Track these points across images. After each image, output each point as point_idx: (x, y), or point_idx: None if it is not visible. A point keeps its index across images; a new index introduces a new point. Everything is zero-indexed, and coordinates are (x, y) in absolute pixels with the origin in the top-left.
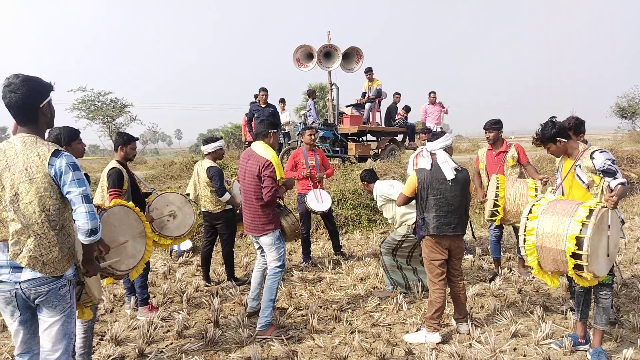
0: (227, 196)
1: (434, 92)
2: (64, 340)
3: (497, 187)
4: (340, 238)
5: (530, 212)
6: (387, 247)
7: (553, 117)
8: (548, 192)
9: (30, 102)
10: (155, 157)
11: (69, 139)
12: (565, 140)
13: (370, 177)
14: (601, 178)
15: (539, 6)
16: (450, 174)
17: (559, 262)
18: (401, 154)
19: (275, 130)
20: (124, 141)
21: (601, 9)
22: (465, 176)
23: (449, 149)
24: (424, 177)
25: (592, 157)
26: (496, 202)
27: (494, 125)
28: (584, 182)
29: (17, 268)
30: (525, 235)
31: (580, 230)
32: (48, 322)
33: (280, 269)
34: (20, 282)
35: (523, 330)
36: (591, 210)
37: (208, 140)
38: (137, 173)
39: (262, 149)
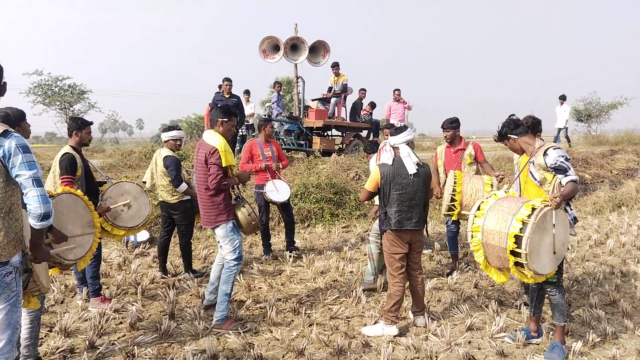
0: (183, 186)
1: (398, 90)
2: (8, 330)
3: (455, 183)
4: (303, 232)
5: (478, 209)
6: (374, 235)
7: (512, 114)
8: (502, 189)
9: None
10: (114, 147)
11: (19, 119)
12: (516, 137)
13: (370, 148)
14: (554, 175)
15: (507, 7)
16: (412, 169)
17: (502, 259)
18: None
19: (225, 119)
20: (78, 126)
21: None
22: (427, 171)
23: (410, 144)
24: (387, 171)
25: (545, 154)
26: (453, 196)
27: (451, 125)
28: (536, 179)
29: None
30: (472, 231)
31: (521, 229)
32: None
33: (237, 262)
34: None
35: (478, 324)
36: (534, 209)
37: (169, 128)
38: (93, 161)
39: (211, 137)
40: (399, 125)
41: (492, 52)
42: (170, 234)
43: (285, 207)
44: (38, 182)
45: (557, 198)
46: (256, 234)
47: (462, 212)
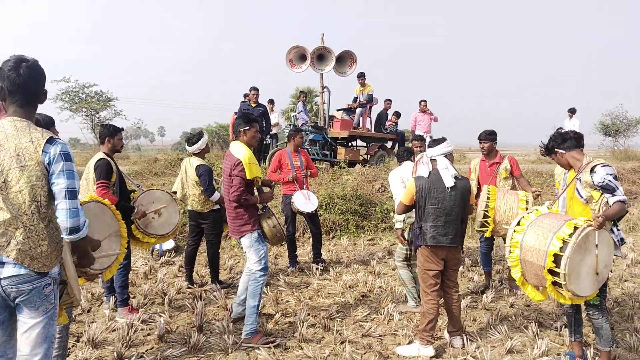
0: (216, 195)
1: (424, 100)
2: (44, 344)
3: (488, 198)
4: (327, 243)
5: (518, 224)
6: (399, 259)
7: (559, 128)
8: (545, 204)
9: (39, 85)
10: (137, 153)
11: (48, 125)
12: (563, 152)
13: (403, 155)
14: (601, 194)
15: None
16: (449, 182)
17: (540, 277)
18: (390, 161)
19: (247, 127)
20: (110, 132)
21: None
22: (466, 185)
23: (449, 156)
24: (423, 185)
25: (592, 171)
26: (486, 213)
27: (489, 136)
28: (582, 197)
29: (1, 263)
30: (510, 247)
31: (561, 248)
32: (28, 323)
33: (262, 273)
34: (0, 279)
35: (518, 347)
36: (576, 228)
37: (192, 138)
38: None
39: (236, 148)
40: (425, 138)
41: (512, 61)
42: (198, 244)
43: (312, 218)
44: (71, 194)
45: (600, 218)
46: (281, 245)
47: (497, 229)
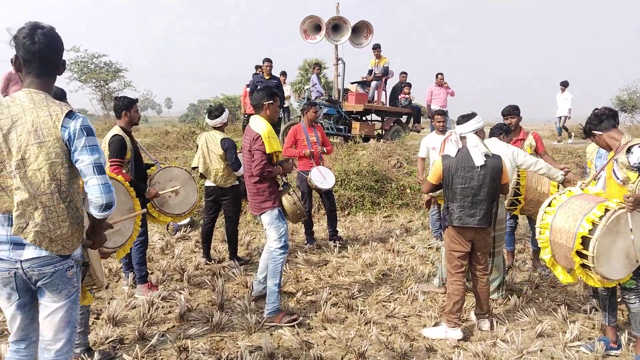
0: (241, 170)
1: (441, 74)
2: (67, 328)
3: (519, 176)
4: (343, 220)
5: (549, 205)
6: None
7: (596, 109)
8: (578, 185)
9: (57, 53)
10: (146, 125)
11: (60, 98)
12: (601, 133)
13: (494, 131)
14: (638, 175)
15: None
16: (479, 160)
17: (569, 259)
18: (406, 136)
19: (271, 101)
20: (126, 105)
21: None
22: (497, 163)
23: (480, 132)
24: (450, 164)
25: (629, 152)
26: (517, 191)
27: (515, 111)
28: (618, 178)
29: (19, 244)
30: (540, 228)
31: (590, 230)
32: (51, 307)
33: (282, 251)
34: (21, 261)
35: (548, 330)
36: (607, 210)
37: (214, 111)
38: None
39: (256, 123)
40: (444, 110)
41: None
42: (214, 221)
43: (328, 195)
44: (100, 169)
45: (631, 199)
46: (301, 222)
47: (527, 207)
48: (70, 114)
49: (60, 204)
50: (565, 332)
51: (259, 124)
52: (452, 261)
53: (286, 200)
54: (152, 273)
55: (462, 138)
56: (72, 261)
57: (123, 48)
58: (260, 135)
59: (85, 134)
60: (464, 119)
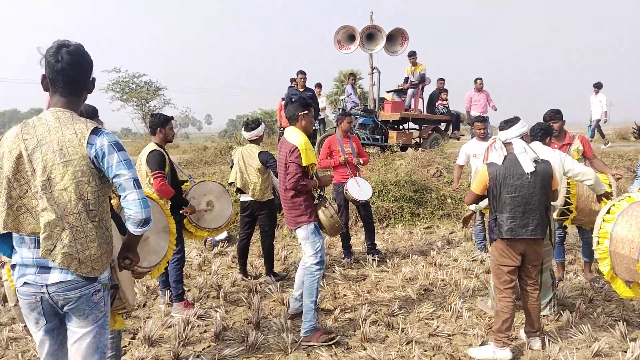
0: None
1: (480, 79)
2: (96, 354)
3: (568, 184)
4: (381, 232)
5: (607, 212)
6: None
7: None
8: (635, 190)
9: (85, 72)
10: (186, 142)
11: (92, 115)
12: None
13: (535, 133)
14: None
15: None
16: (529, 167)
17: (632, 271)
18: (445, 144)
19: (305, 112)
20: (161, 122)
21: None
22: (547, 169)
23: (525, 137)
24: (497, 172)
25: None
26: (568, 199)
27: (557, 115)
28: None
29: (45, 268)
30: (598, 237)
31: None
32: (78, 333)
33: (318, 267)
34: (47, 285)
35: (605, 349)
36: None
37: (250, 124)
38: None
39: (292, 134)
40: (484, 116)
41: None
42: (250, 236)
43: (365, 207)
44: (138, 184)
45: None
46: (339, 236)
47: (579, 217)
48: (95, 131)
49: (88, 224)
50: (626, 352)
51: (295, 136)
52: (500, 276)
53: (323, 213)
54: (188, 290)
55: (507, 144)
56: (98, 285)
57: (161, 67)
58: (297, 147)
59: (116, 149)
60: (507, 124)
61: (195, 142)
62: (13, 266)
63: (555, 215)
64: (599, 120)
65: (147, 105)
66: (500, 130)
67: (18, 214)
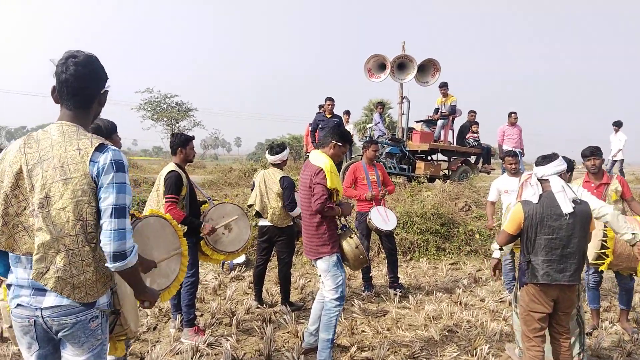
0: (297, 210)
1: (514, 112)
2: None
3: (605, 227)
4: (405, 265)
5: None
6: (515, 304)
7: None
8: None
9: (92, 83)
10: (214, 163)
11: (110, 131)
12: None
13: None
14: None
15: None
16: (567, 207)
17: None
18: (474, 177)
19: (340, 144)
20: (182, 142)
21: None
22: (586, 210)
23: (563, 175)
24: (533, 211)
25: None
26: (604, 243)
27: (598, 152)
28: None
29: (40, 290)
30: None
31: None
32: None
33: (338, 302)
34: (42, 309)
35: None
36: None
37: (275, 148)
38: (194, 178)
39: (317, 157)
40: (516, 151)
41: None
42: (267, 263)
43: (389, 238)
44: (119, 212)
45: None
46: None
47: (616, 262)
48: (101, 147)
49: (85, 247)
50: None
51: (321, 158)
52: (530, 323)
53: (347, 244)
54: (201, 315)
55: (544, 181)
56: (96, 311)
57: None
58: (322, 169)
59: (114, 169)
60: (545, 159)
61: (223, 163)
62: (9, 285)
63: (591, 259)
64: (621, 160)
65: (177, 125)
66: (536, 165)
67: (14, 232)
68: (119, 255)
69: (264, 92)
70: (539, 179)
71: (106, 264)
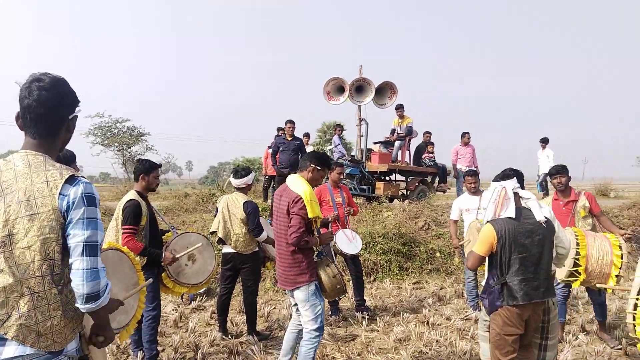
0: (264, 235)
1: (468, 133)
2: None
3: (578, 244)
4: (369, 287)
5: None
6: (483, 328)
7: None
8: None
9: (59, 109)
10: (166, 188)
11: (69, 160)
12: None
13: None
14: None
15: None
16: (541, 215)
17: None
18: (432, 196)
19: (319, 168)
20: (146, 169)
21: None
22: (552, 225)
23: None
24: (504, 231)
25: None
26: (577, 261)
27: (564, 169)
28: None
29: (1, 339)
30: (638, 299)
31: None
32: None
33: (318, 333)
34: None
35: None
36: None
37: (240, 171)
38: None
39: (296, 183)
40: (475, 170)
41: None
42: (231, 292)
43: (354, 260)
44: (91, 250)
45: None
46: (339, 299)
47: (588, 279)
48: (71, 180)
49: (52, 289)
50: None
51: (299, 185)
52: (503, 347)
53: (324, 274)
54: (163, 350)
55: (515, 195)
56: (64, 358)
57: (144, 112)
58: (301, 198)
59: (85, 203)
60: (506, 176)
61: (175, 188)
62: None
63: (564, 276)
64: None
65: (129, 150)
66: (502, 179)
67: None
68: (92, 297)
69: (216, 115)
70: (512, 192)
71: (78, 305)
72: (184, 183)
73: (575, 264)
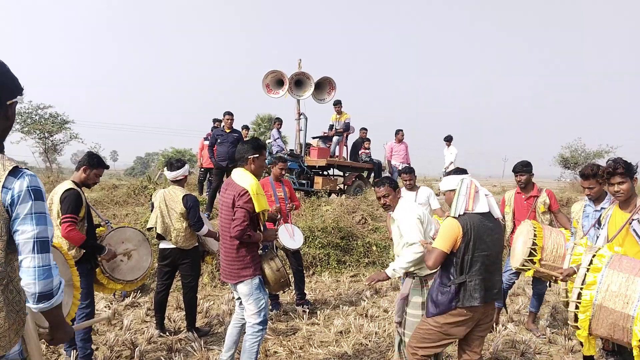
0: (205, 229)
1: (401, 130)
2: None
3: (535, 236)
4: (308, 280)
5: (591, 262)
6: (410, 328)
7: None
8: (578, 239)
9: None
10: None
11: None
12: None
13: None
14: None
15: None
16: (498, 212)
17: (618, 328)
18: (368, 191)
19: (256, 155)
20: (92, 164)
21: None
22: (501, 222)
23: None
24: (469, 226)
25: None
26: (533, 251)
27: (526, 168)
28: None
29: None
30: (582, 288)
31: None
32: None
33: (262, 327)
34: None
35: None
36: None
37: (174, 163)
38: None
39: (241, 176)
40: (412, 167)
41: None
42: (169, 289)
43: (295, 255)
44: (42, 246)
45: None
46: (283, 292)
47: (541, 269)
48: (15, 172)
49: None
50: None
51: (245, 178)
52: (433, 349)
53: (268, 267)
54: (97, 349)
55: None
56: None
57: (69, 97)
58: (247, 191)
59: (32, 197)
60: (461, 171)
61: (101, 179)
62: None
63: (518, 264)
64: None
65: (51, 138)
66: (455, 173)
67: None
68: (45, 296)
69: (144, 103)
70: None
71: (29, 305)
72: (109, 174)
73: (531, 254)
